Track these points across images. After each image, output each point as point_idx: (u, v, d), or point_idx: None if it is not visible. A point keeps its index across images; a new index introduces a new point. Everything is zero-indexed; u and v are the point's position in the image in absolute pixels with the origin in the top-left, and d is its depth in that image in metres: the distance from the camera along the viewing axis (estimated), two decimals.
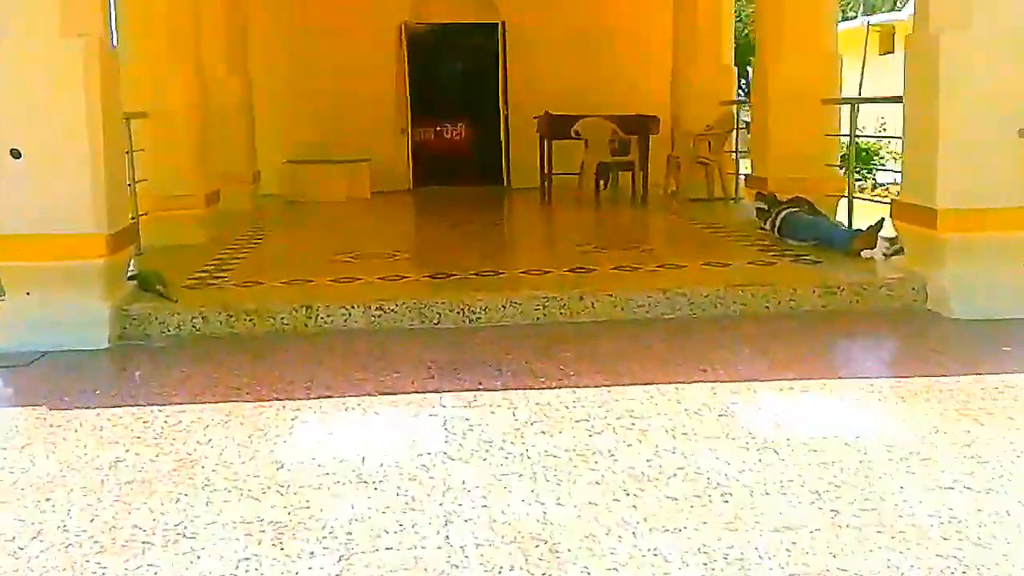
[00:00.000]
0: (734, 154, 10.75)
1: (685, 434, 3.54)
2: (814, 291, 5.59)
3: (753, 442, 3.43)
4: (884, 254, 6.34)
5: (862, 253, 6.40)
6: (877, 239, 6.41)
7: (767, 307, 5.52)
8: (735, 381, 4.20)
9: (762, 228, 7.55)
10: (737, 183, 10.39)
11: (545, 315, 5.41)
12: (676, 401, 3.91)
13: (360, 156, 11.54)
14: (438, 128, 12.35)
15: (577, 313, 5.43)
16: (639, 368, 4.43)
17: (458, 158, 12.39)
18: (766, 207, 7.67)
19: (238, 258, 6.90)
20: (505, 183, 12.13)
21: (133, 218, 6.30)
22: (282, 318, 5.31)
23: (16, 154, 4.99)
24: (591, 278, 5.96)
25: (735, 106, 10.66)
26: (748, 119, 10.22)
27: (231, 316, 5.30)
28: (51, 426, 3.79)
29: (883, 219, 6.43)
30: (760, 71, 8.31)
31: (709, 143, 10.27)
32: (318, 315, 5.33)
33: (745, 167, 10.77)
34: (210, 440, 3.60)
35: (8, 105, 5.01)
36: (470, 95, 12.53)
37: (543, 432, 3.59)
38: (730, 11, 11.03)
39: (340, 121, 11.68)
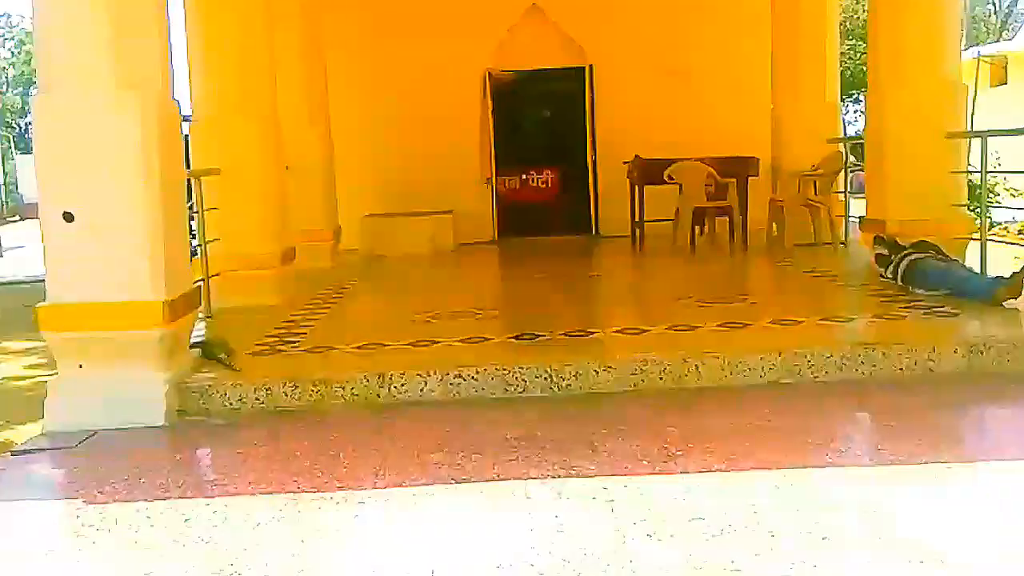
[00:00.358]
0: (842, 195, 9.98)
1: (826, 538, 2.87)
2: (956, 350, 4.84)
3: (916, 553, 2.75)
4: None
5: (1006, 303, 5.62)
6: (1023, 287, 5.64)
7: (901, 369, 4.80)
8: (877, 465, 3.51)
9: (883, 276, 6.79)
10: (847, 227, 9.61)
11: (644, 380, 4.79)
12: (808, 493, 3.24)
13: (444, 208, 11.16)
14: (524, 176, 11.88)
15: (680, 378, 4.80)
16: (758, 447, 3.77)
17: (545, 207, 11.89)
18: (887, 252, 6.91)
19: (311, 320, 6.46)
20: (594, 232, 11.57)
21: (199, 280, 5.94)
22: (352, 389, 4.82)
23: (68, 218, 4.63)
24: (694, 337, 5.31)
25: (842, 144, 9.90)
26: (854, 158, 9.50)
27: (297, 387, 4.83)
28: (83, 525, 3.32)
29: None
30: (876, 103, 7.57)
31: (815, 184, 9.54)
32: (391, 385, 4.81)
33: (857, 209, 10.02)
34: (258, 543, 3.08)
35: (60, 164, 4.67)
36: (557, 142, 12.05)
37: (649, 536, 2.97)
38: (835, 42, 10.29)
39: (423, 172, 11.32)
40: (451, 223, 10.91)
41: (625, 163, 10.28)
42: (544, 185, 11.89)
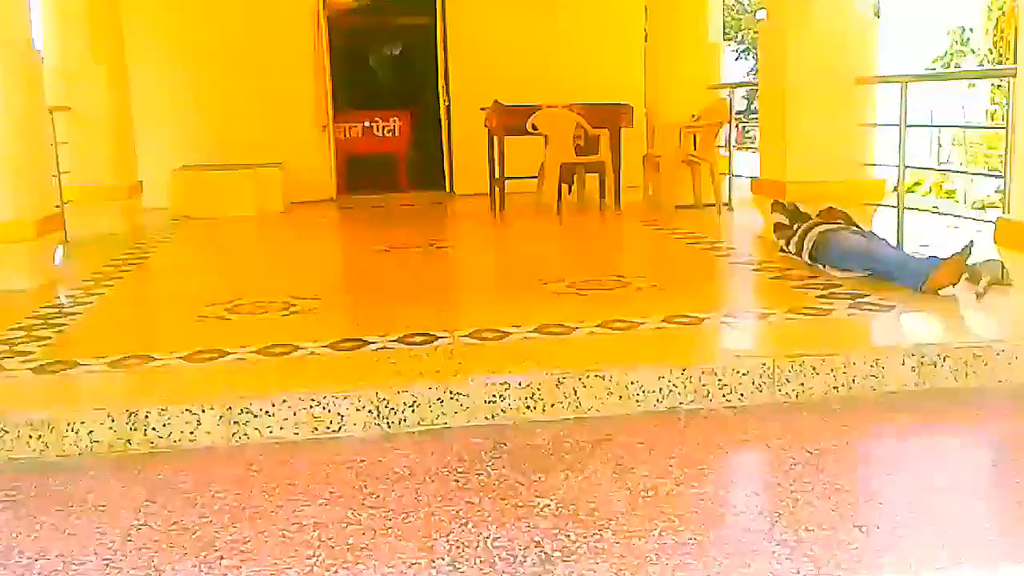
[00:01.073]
0: (725, 150, 8.93)
1: None
2: (903, 361, 3.76)
3: None
4: (977, 293, 4.54)
5: (942, 291, 4.60)
6: (963, 270, 4.62)
7: (836, 389, 3.69)
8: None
9: (784, 250, 5.72)
10: (731, 186, 8.55)
11: (505, 413, 3.51)
12: None
13: (273, 160, 9.55)
14: (368, 124, 10.35)
15: (555, 408, 3.54)
16: (670, 540, 2.54)
17: (392, 159, 10.42)
18: (788, 221, 5.84)
19: (62, 319, 4.85)
20: (448, 189, 10.17)
21: None
22: (92, 434, 3.35)
23: None
24: (571, 345, 4.05)
25: (726, 92, 8.80)
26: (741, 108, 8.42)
27: (5, 431, 3.33)
28: None
29: (972, 242, 4.63)
30: (773, 43, 6.43)
31: (695, 138, 8.44)
32: (148, 426, 3.37)
33: (743, 168, 9.02)
34: None
35: None
36: (405, 83, 10.63)
37: None
38: None
39: (246, 118, 9.68)
40: (280, 178, 9.30)
41: (483, 109, 8.92)
42: (391, 133, 10.40)
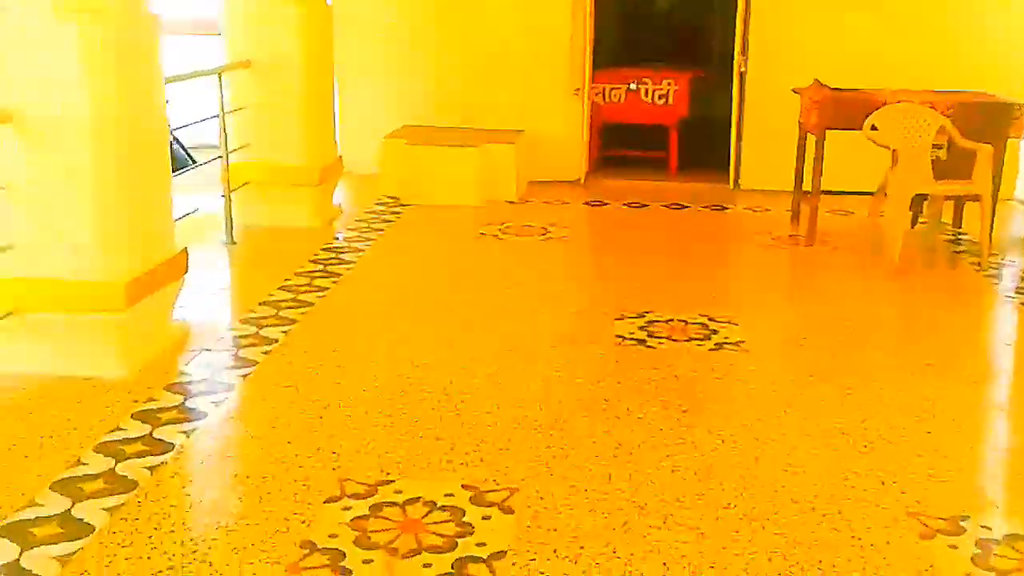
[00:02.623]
0: None
1: None
2: None
3: None
4: None
5: None
6: None
7: None
8: None
9: None
10: None
11: None
12: None
13: (509, 127, 7.46)
14: (633, 86, 7.94)
15: None
16: None
17: (661, 134, 8.00)
18: None
19: None
20: (732, 181, 7.66)
21: None
22: None
23: None
24: None
25: None
26: None
27: None
28: None
29: None
30: None
31: None
32: None
33: None
34: None
35: None
36: (687, 37, 8.09)
37: None
38: None
39: (482, 74, 7.60)
40: (514, 156, 7.17)
41: (796, 91, 6.34)
42: (662, 100, 7.92)
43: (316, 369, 3.97)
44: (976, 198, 5.58)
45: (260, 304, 4.74)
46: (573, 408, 3.64)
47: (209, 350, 4.15)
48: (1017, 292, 5.28)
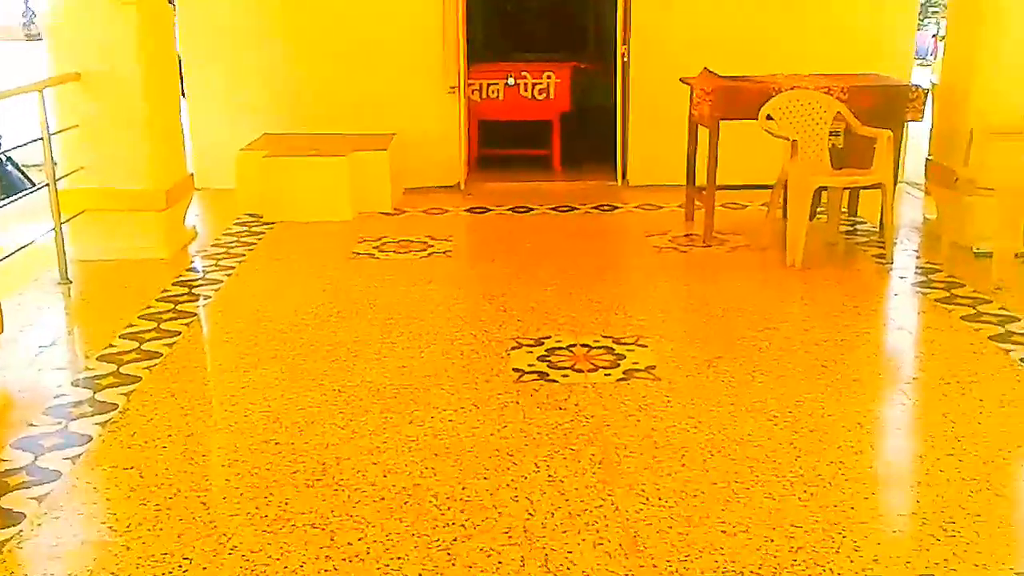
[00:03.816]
0: None
1: None
2: None
3: None
4: None
5: None
6: None
7: None
8: None
9: None
10: None
11: None
12: None
13: (379, 131, 6.88)
14: (511, 81, 7.45)
15: None
16: None
17: (543, 131, 7.54)
18: None
19: None
20: (619, 177, 7.26)
21: None
22: None
23: None
24: None
25: None
26: None
27: None
28: None
29: None
30: None
31: None
32: None
33: None
34: None
35: None
36: (566, 27, 7.65)
37: None
38: None
39: (348, 73, 7.00)
40: (387, 164, 6.58)
41: (685, 81, 5.96)
42: (543, 95, 7.46)
43: (164, 443, 3.33)
44: (876, 186, 5.31)
45: (98, 358, 4.07)
46: (474, 470, 3.12)
47: (34, 425, 3.47)
48: (926, 286, 5.02)
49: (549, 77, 7.42)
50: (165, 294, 4.88)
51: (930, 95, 5.74)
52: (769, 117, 5.38)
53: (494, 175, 7.41)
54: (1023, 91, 5.34)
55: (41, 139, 5.06)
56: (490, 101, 7.44)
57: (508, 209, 6.66)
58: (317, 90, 7.05)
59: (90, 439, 3.34)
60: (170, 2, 5.93)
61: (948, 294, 4.83)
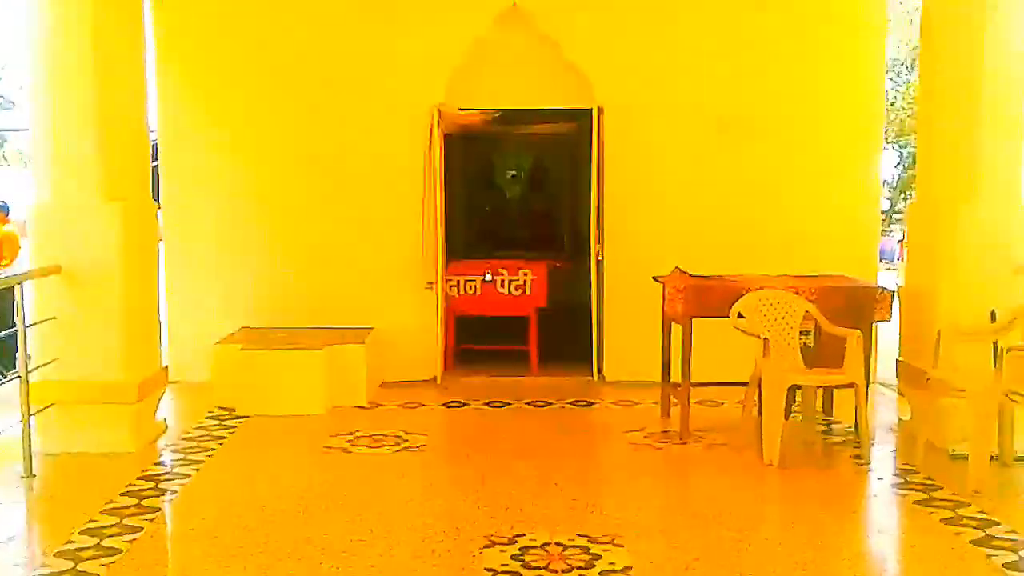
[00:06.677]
0: None
1: None
2: None
3: None
4: None
5: None
6: None
7: None
8: None
9: None
10: None
11: None
12: None
13: (357, 323, 6.95)
14: (488, 277, 7.62)
15: None
16: None
17: (520, 326, 7.64)
18: None
19: None
20: (596, 372, 7.31)
21: None
22: None
23: None
24: None
25: None
26: None
27: None
28: None
29: None
30: None
31: (996, 351, 5.37)
32: None
33: None
34: None
35: None
36: (541, 225, 7.90)
37: None
38: None
39: (325, 270, 7.15)
40: (364, 358, 6.61)
41: (658, 279, 6.11)
42: (519, 291, 7.62)
43: None
44: (850, 386, 5.35)
45: (55, 554, 3.91)
46: None
47: None
48: (904, 487, 4.96)
49: (526, 274, 7.60)
50: (130, 488, 4.76)
51: (896, 297, 5.89)
52: (740, 315, 5.49)
53: (471, 369, 7.44)
54: (984, 293, 5.48)
55: (16, 331, 5.07)
56: (468, 297, 7.57)
57: (485, 403, 6.65)
58: (296, 284, 7.17)
59: None
60: (155, 199, 6.09)
61: (927, 496, 4.77)
